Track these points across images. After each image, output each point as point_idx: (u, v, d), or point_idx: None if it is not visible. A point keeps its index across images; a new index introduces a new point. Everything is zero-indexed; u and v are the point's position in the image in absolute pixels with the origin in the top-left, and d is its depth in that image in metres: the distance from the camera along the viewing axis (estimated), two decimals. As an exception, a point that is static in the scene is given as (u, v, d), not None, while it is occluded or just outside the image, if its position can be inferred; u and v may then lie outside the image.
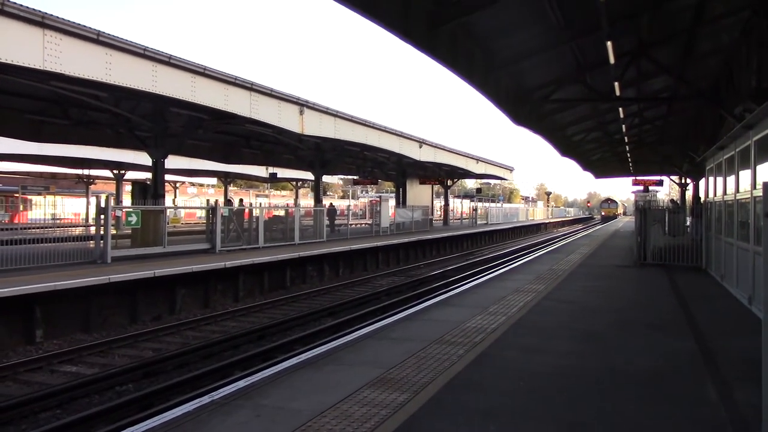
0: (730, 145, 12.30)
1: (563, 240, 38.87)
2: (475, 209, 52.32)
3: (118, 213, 16.58)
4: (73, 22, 12.88)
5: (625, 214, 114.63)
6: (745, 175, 10.85)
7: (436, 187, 47.29)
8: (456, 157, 38.33)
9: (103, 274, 13.04)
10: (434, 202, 49.25)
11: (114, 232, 16.21)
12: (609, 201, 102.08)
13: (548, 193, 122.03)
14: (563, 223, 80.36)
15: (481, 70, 13.98)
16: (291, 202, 53.06)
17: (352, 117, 24.88)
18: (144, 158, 25.29)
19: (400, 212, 35.30)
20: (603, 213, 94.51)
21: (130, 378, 9.55)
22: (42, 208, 42.46)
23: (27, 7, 11.90)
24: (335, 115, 23.60)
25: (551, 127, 22.83)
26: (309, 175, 36.99)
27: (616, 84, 15.21)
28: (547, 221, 70.97)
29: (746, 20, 12.46)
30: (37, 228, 19.24)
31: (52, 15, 12.35)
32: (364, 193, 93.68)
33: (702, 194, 21.28)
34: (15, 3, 11.67)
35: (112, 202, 16.12)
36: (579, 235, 41.77)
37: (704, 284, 13.77)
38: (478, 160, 42.15)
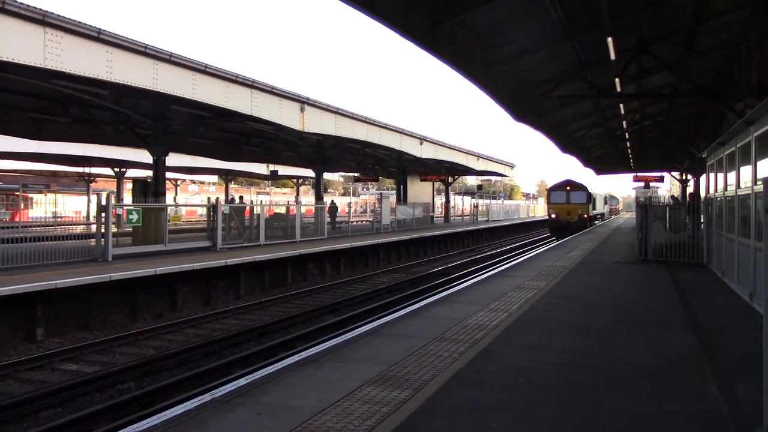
0: (731, 141, 12.28)
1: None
2: (476, 206, 52.31)
3: (119, 211, 16.57)
4: (74, 20, 12.88)
5: (613, 213, 75.36)
6: (745, 170, 10.83)
7: (437, 184, 47.25)
8: (457, 154, 38.31)
9: (104, 272, 13.05)
10: (435, 199, 49.20)
11: (115, 230, 16.22)
12: (568, 187, 39.94)
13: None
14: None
15: (482, 67, 13.96)
16: (292, 199, 53.08)
17: (353, 114, 24.86)
18: (145, 156, 25.34)
19: (401, 209, 35.28)
20: (553, 214, 39.89)
21: (131, 376, 9.55)
22: (43, 207, 42.38)
23: (28, 5, 11.89)
24: (336, 112, 23.59)
25: (552, 124, 22.81)
26: (310, 173, 36.97)
27: (617, 80, 15.19)
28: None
29: (746, 17, 12.44)
30: (38, 226, 19.23)
31: (52, 13, 12.34)
32: (365, 190, 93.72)
33: (703, 190, 21.26)
34: (16, 1, 11.67)
35: (113, 200, 16.13)
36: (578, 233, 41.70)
37: (705, 280, 13.75)
38: (478, 157, 42.12)
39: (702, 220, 17.85)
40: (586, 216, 38.58)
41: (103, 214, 15.54)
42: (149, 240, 17.36)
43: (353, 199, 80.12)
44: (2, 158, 36.00)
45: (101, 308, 13.03)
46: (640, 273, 15.08)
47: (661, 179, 38.69)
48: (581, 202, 38.75)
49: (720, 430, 4.71)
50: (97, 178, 47.75)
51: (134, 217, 16.68)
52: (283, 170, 42.87)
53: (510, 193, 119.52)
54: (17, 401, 8.06)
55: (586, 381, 5.94)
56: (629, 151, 34.66)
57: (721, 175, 14.12)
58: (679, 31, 13.85)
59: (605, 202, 57.37)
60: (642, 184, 38.22)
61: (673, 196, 39.71)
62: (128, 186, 40.48)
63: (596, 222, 45.51)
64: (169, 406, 6.53)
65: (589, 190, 39.83)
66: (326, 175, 44.53)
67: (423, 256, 29.08)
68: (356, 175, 44.49)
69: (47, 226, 19.72)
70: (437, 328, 8.18)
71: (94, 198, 23.54)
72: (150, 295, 14.14)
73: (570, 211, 38.20)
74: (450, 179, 45.29)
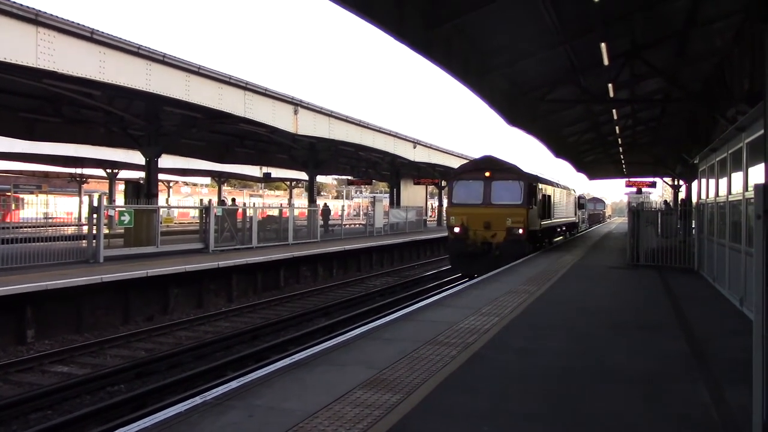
0: (723, 147, 12.34)
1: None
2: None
3: (111, 212, 16.51)
4: (67, 20, 12.83)
5: (597, 221, 61.04)
6: (737, 177, 10.88)
7: (430, 188, 47.30)
8: (450, 157, 38.40)
9: (96, 274, 12.98)
10: (428, 202, 49.25)
11: (107, 231, 16.14)
12: (488, 172, 19.02)
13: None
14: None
15: (475, 71, 13.99)
16: (285, 201, 53.02)
17: (347, 117, 24.86)
18: (137, 157, 25.27)
19: (394, 212, 35.30)
20: (456, 227, 19.04)
21: (122, 378, 9.50)
22: (34, 207, 42.23)
23: (20, 5, 11.84)
24: (329, 115, 23.59)
25: (545, 128, 22.89)
26: (303, 175, 36.98)
27: (610, 86, 15.29)
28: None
29: (739, 23, 12.52)
30: (29, 227, 19.12)
31: (45, 12, 12.30)
32: (358, 193, 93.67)
33: (695, 196, 21.36)
34: (8, 0, 11.62)
35: (104, 201, 16.05)
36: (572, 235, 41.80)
37: (696, 286, 13.79)
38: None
39: (693, 226, 17.92)
40: (521, 231, 18.97)
41: (95, 216, 15.47)
42: (141, 242, 17.29)
43: (346, 202, 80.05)
44: (-6, 158, 35.76)
45: (92, 310, 12.96)
46: (631, 278, 15.11)
47: (653, 185, 38.85)
48: (513, 202, 19.12)
49: (710, 435, 4.73)
50: (89, 180, 47.56)
51: (126, 218, 16.61)
52: (276, 173, 42.83)
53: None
54: (6, 403, 8.00)
55: (577, 385, 5.95)
56: (621, 156, 34.81)
57: (712, 181, 14.19)
58: (671, 37, 13.93)
59: (578, 206, 36.79)
60: (634, 189, 38.38)
61: (665, 202, 39.89)
62: (120, 187, 40.32)
63: (555, 240, 27.88)
64: (161, 409, 6.50)
65: (531, 180, 19.93)
66: (319, 178, 44.47)
67: (416, 259, 29.09)
68: (349, 178, 44.51)
69: (38, 227, 19.61)
70: (429, 331, 8.17)
71: (85, 199, 23.40)
72: (141, 297, 14.08)
73: (490, 220, 19.01)
74: (443, 183, 45.35)
